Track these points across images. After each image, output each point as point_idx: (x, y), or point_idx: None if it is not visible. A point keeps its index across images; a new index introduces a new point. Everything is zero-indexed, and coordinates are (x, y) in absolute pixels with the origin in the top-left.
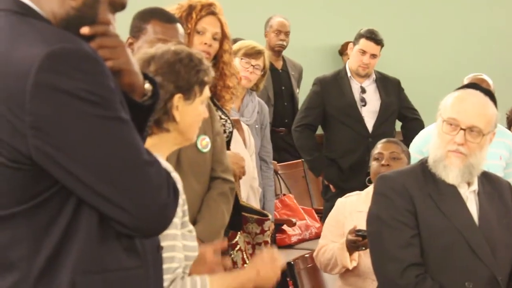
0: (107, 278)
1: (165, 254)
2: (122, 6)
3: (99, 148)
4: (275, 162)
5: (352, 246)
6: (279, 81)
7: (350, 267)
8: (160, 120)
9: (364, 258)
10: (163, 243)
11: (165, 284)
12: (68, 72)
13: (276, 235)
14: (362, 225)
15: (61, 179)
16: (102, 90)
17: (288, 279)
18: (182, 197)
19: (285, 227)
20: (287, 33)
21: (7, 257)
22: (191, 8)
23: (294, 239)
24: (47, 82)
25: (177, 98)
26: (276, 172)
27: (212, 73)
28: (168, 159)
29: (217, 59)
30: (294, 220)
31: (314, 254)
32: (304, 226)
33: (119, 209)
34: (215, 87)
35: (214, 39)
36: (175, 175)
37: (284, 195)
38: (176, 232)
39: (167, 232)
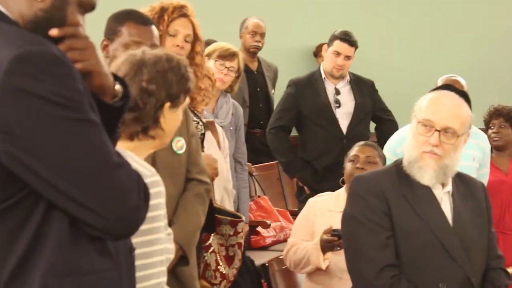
0: (80, 281)
1: (154, 259)
2: (91, 7)
3: (68, 150)
4: (250, 164)
5: (327, 246)
6: (254, 83)
7: (324, 267)
8: (148, 127)
9: (332, 256)
10: (154, 247)
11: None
12: (36, 74)
13: (251, 237)
14: (332, 224)
15: (30, 182)
16: (70, 92)
17: (262, 280)
18: (163, 199)
19: (259, 229)
20: (262, 35)
21: None
22: (163, 10)
23: (268, 240)
24: (15, 85)
25: (166, 107)
26: (250, 174)
27: (193, 80)
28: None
29: (189, 61)
30: (268, 222)
31: (284, 252)
32: (278, 228)
33: (89, 212)
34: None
35: (186, 41)
36: (157, 179)
37: (259, 196)
38: (161, 236)
39: (157, 236)
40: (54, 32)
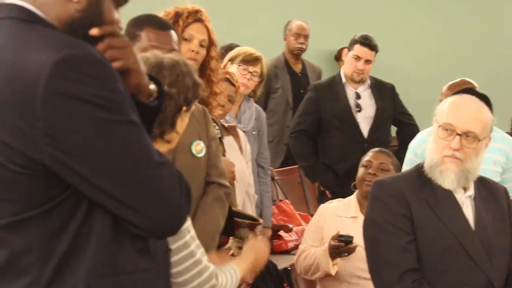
0: (121, 281)
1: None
2: (125, 0)
3: (112, 152)
4: (272, 168)
5: (335, 252)
6: (298, 85)
7: (333, 273)
8: (165, 131)
9: (341, 261)
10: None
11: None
12: (77, 78)
13: (273, 240)
14: (341, 230)
15: (75, 183)
16: (112, 94)
17: (285, 284)
18: None
19: (281, 233)
20: (306, 37)
21: (20, 262)
22: (177, 15)
23: (290, 244)
24: (58, 89)
25: (183, 111)
26: (272, 178)
27: (203, 86)
28: None
29: (204, 66)
30: (290, 226)
31: (295, 259)
32: (300, 232)
33: (133, 211)
34: (202, 94)
35: (201, 46)
36: None
37: (281, 200)
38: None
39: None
40: (94, 31)
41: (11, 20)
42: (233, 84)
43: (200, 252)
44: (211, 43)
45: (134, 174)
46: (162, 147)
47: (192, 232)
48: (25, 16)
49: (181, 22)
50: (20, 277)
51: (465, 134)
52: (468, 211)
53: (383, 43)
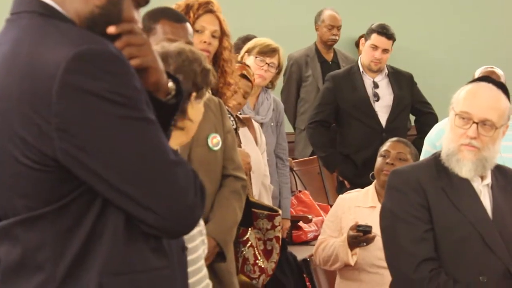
0: (135, 279)
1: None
2: (146, 1)
3: (126, 149)
4: (290, 159)
5: (353, 242)
6: (329, 73)
7: (352, 263)
8: (176, 119)
9: (360, 251)
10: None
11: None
12: (94, 73)
13: (292, 231)
14: (360, 220)
15: (88, 180)
16: (128, 90)
17: (304, 275)
18: None
19: (301, 223)
20: (339, 28)
21: (34, 258)
22: (188, 7)
23: (310, 235)
24: (74, 83)
25: (193, 97)
26: (291, 169)
27: (214, 74)
28: None
29: (217, 57)
30: (310, 216)
31: (314, 250)
32: (320, 223)
33: (146, 210)
34: (216, 85)
35: (213, 37)
36: None
37: (300, 191)
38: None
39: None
40: (112, 29)
41: (30, 14)
42: (249, 80)
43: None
44: (223, 33)
45: (147, 172)
46: (178, 137)
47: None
48: (44, 11)
49: (192, 14)
50: (34, 274)
51: (482, 122)
52: (486, 199)
53: (405, 30)
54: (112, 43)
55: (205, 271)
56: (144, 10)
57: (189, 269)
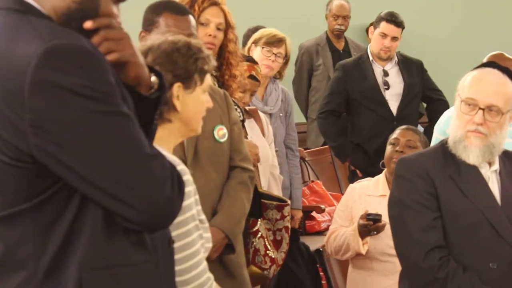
0: (115, 274)
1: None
2: None
3: (100, 143)
4: (302, 149)
5: (364, 231)
6: (340, 61)
7: (363, 252)
8: (161, 110)
9: (370, 240)
10: (186, 239)
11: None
12: (65, 68)
13: (306, 222)
14: (370, 209)
15: (63, 176)
16: (101, 84)
17: (318, 265)
18: (193, 186)
19: (314, 213)
20: (345, 17)
21: (15, 256)
22: (193, 0)
23: (323, 225)
24: (45, 78)
25: (177, 87)
26: (303, 159)
27: (213, 61)
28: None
29: (222, 49)
30: (323, 206)
31: (325, 240)
32: (333, 212)
33: (123, 204)
34: (222, 77)
35: (218, 29)
36: (183, 168)
37: (312, 181)
38: (196, 224)
39: (188, 227)
40: (88, 24)
41: (5, 11)
42: (258, 80)
43: (200, 243)
44: (228, 25)
45: (121, 166)
46: (176, 132)
47: (197, 221)
48: (19, 7)
49: (196, 7)
50: (17, 272)
51: (488, 108)
52: (494, 186)
53: (413, 17)
54: (90, 39)
55: (204, 265)
56: (145, 5)
57: (185, 265)
